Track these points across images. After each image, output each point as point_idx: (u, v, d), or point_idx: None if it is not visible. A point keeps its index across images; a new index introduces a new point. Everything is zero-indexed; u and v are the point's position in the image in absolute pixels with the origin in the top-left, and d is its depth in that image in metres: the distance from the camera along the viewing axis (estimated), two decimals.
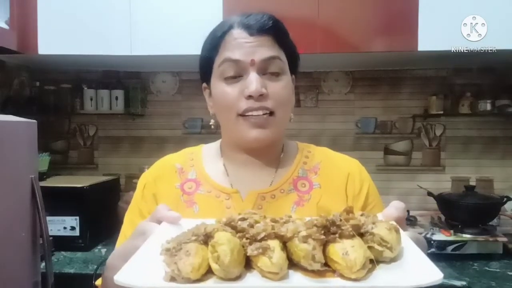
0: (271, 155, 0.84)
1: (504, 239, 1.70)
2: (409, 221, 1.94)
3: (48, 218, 1.41)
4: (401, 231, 0.55)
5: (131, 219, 0.84)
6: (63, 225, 1.75)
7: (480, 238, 1.70)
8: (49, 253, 1.28)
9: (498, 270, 1.59)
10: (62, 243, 1.70)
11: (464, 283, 1.45)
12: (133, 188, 1.44)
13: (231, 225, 0.54)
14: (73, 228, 1.75)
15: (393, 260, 0.53)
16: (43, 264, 1.29)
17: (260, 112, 0.75)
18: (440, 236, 1.73)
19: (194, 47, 0.85)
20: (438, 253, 1.68)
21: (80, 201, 1.77)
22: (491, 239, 1.70)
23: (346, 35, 1.73)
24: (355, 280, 0.48)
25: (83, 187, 1.77)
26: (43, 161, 1.96)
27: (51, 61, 2.00)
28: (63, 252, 1.73)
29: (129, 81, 2.19)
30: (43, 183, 1.65)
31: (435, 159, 2.16)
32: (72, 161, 2.25)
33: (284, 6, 1.71)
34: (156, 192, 0.84)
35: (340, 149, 0.91)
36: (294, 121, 0.84)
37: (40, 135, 1.30)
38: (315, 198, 0.81)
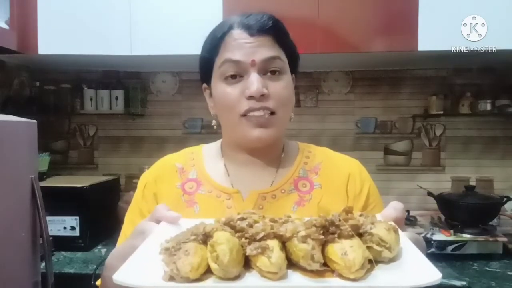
0: (272, 155, 0.84)
1: (504, 239, 1.70)
2: (409, 221, 1.94)
3: (48, 218, 1.41)
4: (400, 231, 0.55)
5: (132, 219, 0.84)
6: (63, 225, 1.75)
7: (480, 238, 1.70)
8: (49, 253, 1.28)
9: (498, 270, 1.59)
10: (62, 243, 1.71)
11: (464, 283, 1.45)
12: (133, 188, 1.44)
13: (230, 225, 0.54)
14: (73, 228, 1.75)
15: (391, 260, 0.53)
16: (43, 264, 1.29)
17: (262, 112, 0.75)
18: (440, 236, 1.73)
19: (194, 47, 0.85)
20: (438, 253, 1.68)
21: (80, 201, 1.77)
22: (491, 239, 1.70)
23: (346, 35, 1.73)
24: (354, 280, 0.48)
25: (83, 187, 1.77)
26: (43, 161, 1.96)
27: (51, 61, 2.00)
28: (63, 252, 1.73)
29: (129, 81, 2.19)
30: (43, 183, 1.66)
31: (435, 159, 2.16)
32: (72, 161, 2.25)
33: (284, 6, 1.71)
34: (157, 192, 0.83)
35: (340, 149, 0.90)
36: (294, 121, 0.84)
37: (40, 135, 1.30)
38: (316, 198, 0.81)
